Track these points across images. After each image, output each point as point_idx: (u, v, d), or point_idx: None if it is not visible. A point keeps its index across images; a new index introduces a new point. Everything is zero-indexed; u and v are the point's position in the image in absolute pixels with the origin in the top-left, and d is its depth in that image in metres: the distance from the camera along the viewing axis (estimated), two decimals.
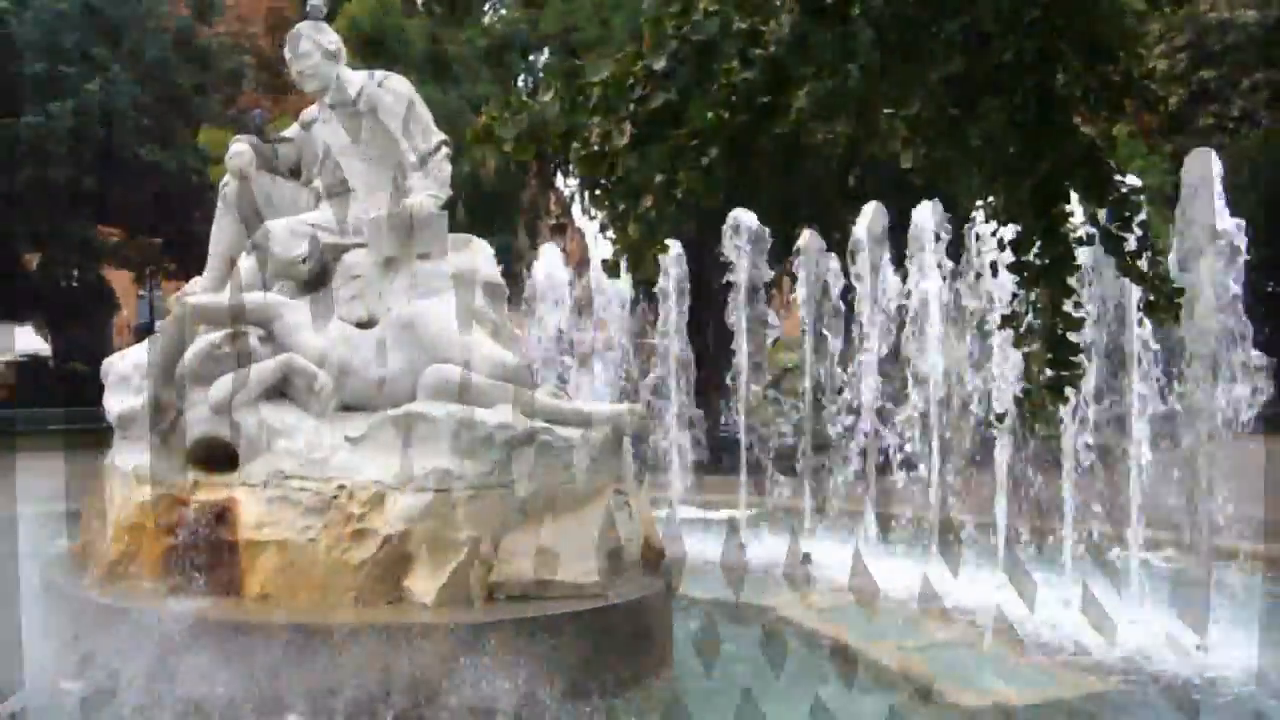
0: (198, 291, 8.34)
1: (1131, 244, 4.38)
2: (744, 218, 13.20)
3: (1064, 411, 8.90)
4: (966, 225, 10.02)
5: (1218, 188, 8.47)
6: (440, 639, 6.22)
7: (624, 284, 13.57)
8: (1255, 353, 8.48)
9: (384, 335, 7.59)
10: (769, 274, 13.60)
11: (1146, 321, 8.25)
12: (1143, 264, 4.36)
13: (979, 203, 4.70)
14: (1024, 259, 4.24)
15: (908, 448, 11.65)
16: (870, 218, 12.04)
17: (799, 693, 7.33)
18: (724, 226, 13.24)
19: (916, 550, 11.14)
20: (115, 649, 6.30)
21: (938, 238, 10.91)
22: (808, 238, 12.91)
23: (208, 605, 6.61)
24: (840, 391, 12.46)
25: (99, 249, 33.26)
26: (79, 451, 16.18)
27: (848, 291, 12.55)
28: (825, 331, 12.71)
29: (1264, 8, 33.58)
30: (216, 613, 6.53)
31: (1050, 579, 9.74)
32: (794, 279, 13.59)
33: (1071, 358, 4.30)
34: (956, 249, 11.09)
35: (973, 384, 10.75)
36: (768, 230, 13.35)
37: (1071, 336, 4.29)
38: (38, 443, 24.15)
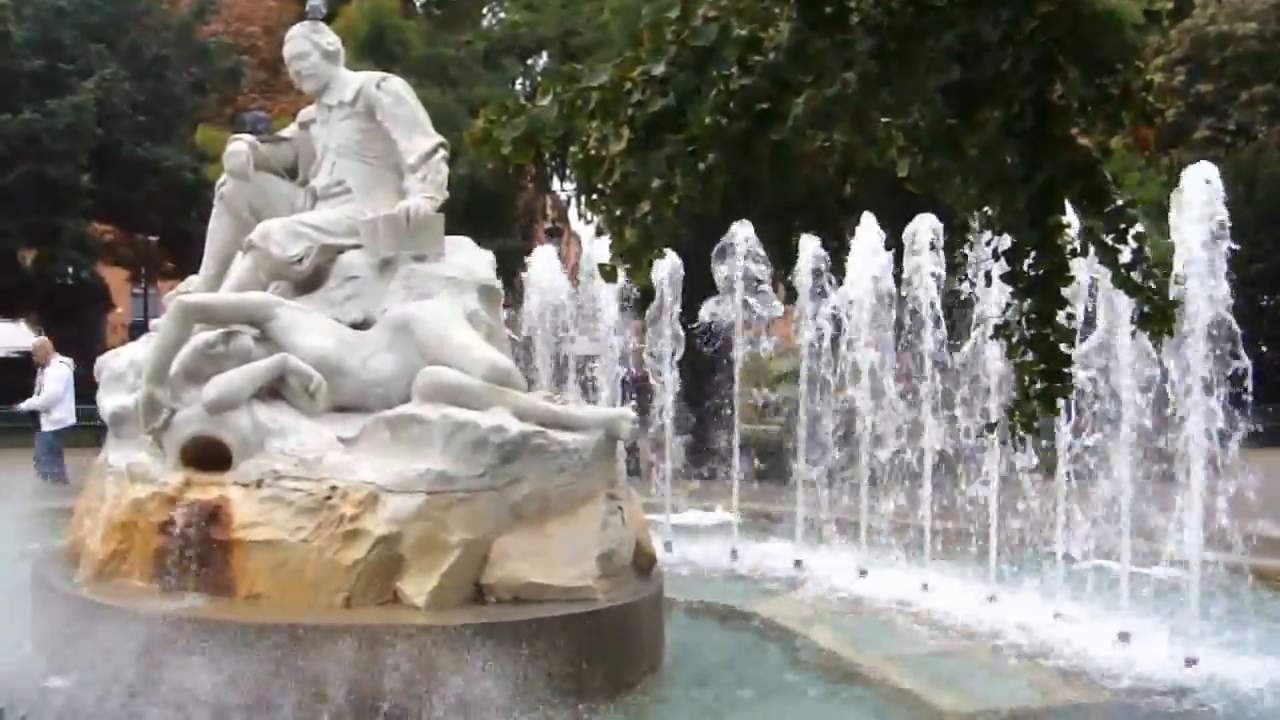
0: (193, 290, 8.34)
1: (1126, 256, 4.39)
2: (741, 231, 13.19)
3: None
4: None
5: (1219, 202, 8.45)
6: (431, 641, 6.21)
7: (619, 289, 13.54)
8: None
9: (379, 336, 7.60)
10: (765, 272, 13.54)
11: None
12: (1137, 276, 4.37)
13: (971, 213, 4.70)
14: (1018, 269, 4.25)
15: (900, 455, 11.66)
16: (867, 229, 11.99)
17: (786, 699, 7.35)
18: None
19: (910, 559, 11.13)
20: (104, 647, 6.29)
21: (931, 247, 10.91)
22: (806, 243, 12.89)
23: (198, 604, 6.61)
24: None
25: (94, 246, 33.24)
26: (71, 449, 16.17)
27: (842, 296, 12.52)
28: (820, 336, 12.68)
29: (1264, 21, 33.65)
30: (207, 612, 6.53)
31: (1039, 589, 9.75)
32: (789, 286, 13.60)
33: (1063, 369, 4.30)
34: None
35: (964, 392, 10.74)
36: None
37: (1063, 348, 4.30)
38: (29, 438, 24.08)
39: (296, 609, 6.55)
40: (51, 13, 30.05)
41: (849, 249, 12.15)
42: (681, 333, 13.53)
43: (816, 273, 12.63)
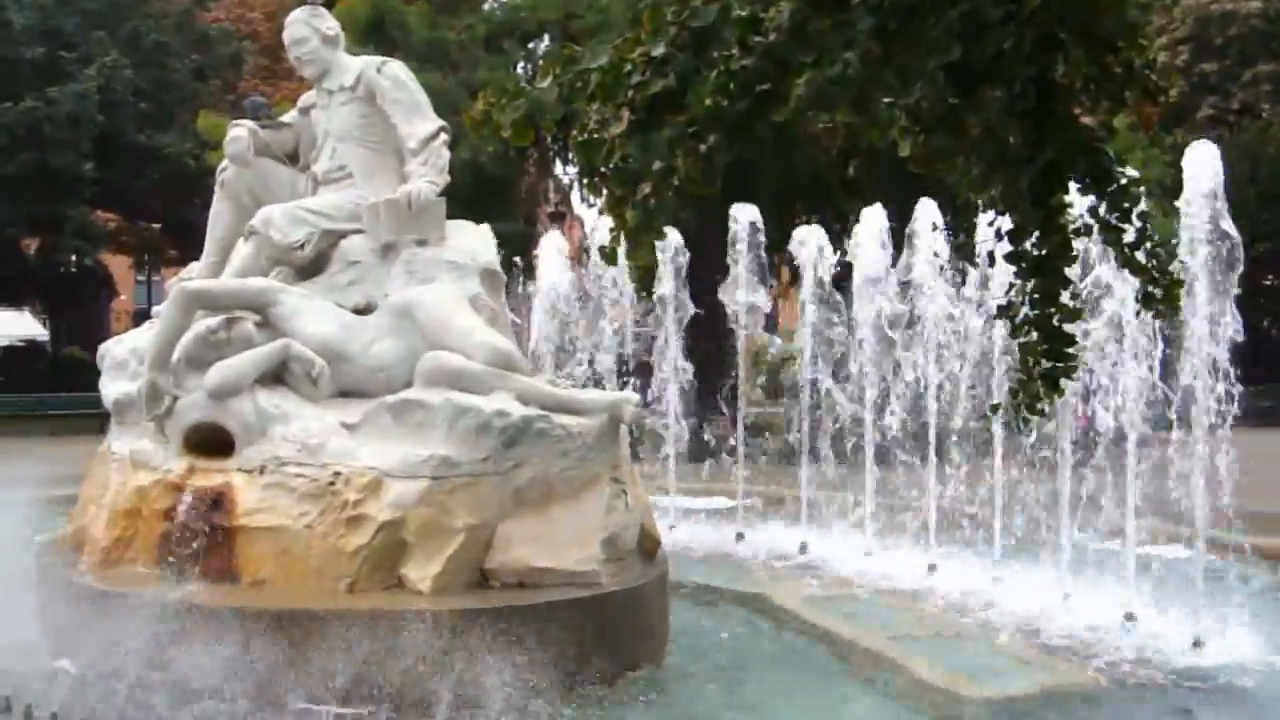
0: (195, 277, 8.34)
1: (1130, 235, 4.36)
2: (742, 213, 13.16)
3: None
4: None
5: (1220, 181, 8.40)
6: (436, 626, 6.21)
7: (622, 272, 13.51)
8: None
9: (381, 321, 7.59)
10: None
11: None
12: (1140, 255, 4.34)
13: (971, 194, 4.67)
14: (1021, 249, 4.22)
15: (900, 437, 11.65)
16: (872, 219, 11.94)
17: (792, 682, 7.35)
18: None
19: (912, 541, 11.13)
20: (110, 633, 6.29)
21: (934, 227, 10.89)
22: (808, 231, 12.87)
23: (202, 591, 6.60)
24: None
25: (97, 234, 33.24)
26: (75, 436, 16.22)
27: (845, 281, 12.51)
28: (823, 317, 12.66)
29: None
30: (211, 598, 6.52)
31: (1045, 571, 9.74)
32: (794, 270, 13.58)
33: (1067, 349, 4.28)
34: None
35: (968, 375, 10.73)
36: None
37: (1068, 328, 4.27)
38: (34, 427, 24.19)
39: (301, 595, 6.56)
40: (53, 1, 30.01)
41: (851, 232, 12.11)
42: (685, 316, 13.52)
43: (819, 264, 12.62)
